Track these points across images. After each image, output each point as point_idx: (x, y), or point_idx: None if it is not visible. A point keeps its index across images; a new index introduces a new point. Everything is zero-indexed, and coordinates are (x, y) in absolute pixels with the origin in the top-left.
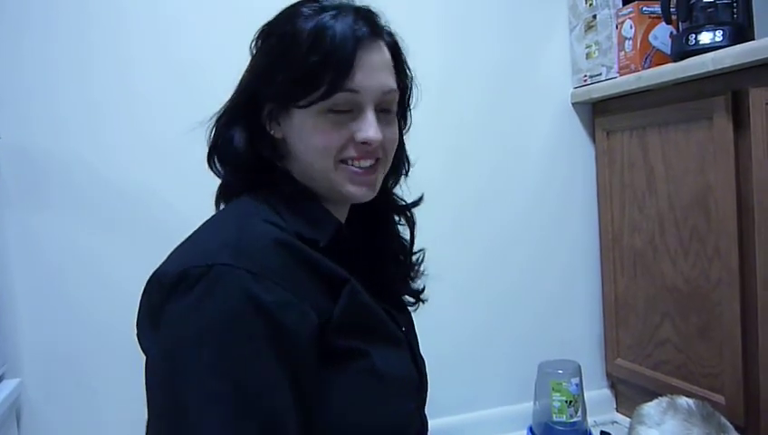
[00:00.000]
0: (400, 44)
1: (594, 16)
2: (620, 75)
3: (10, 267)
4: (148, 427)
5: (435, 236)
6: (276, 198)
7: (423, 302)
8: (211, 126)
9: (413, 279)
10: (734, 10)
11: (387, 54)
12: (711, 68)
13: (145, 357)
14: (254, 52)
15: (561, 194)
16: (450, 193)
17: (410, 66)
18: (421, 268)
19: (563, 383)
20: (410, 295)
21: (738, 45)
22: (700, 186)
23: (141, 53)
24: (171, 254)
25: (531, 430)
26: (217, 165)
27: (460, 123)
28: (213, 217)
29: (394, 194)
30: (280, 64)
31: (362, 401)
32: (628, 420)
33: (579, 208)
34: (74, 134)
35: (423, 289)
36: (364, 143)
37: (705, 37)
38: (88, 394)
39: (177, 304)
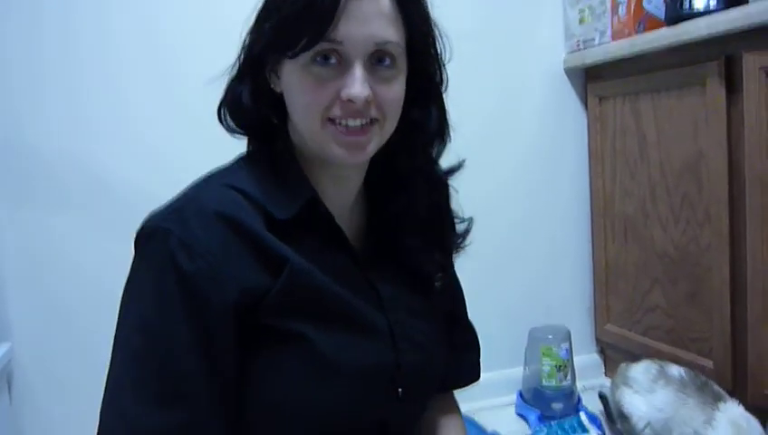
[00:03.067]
0: None
1: None
2: (613, 40)
3: (1, 234)
4: None
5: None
6: (264, 161)
7: (444, 271)
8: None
9: (451, 249)
10: None
11: (384, 2)
12: (705, 33)
13: None
14: None
15: (552, 160)
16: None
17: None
18: (461, 239)
19: (553, 348)
20: (433, 267)
21: (732, 10)
22: (692, 152)
23: (130, 49)
24: None
25: (520, 394)
26: (228, 121)
27: (449, 87)
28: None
29: (430, 160)
30: (269, 12)
31: (293, 383)
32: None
33: (570, 174)
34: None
35: (444, 265)
36: (349, 101)
37: (699, 2)
38: (79, 358)
39: (133, 258)
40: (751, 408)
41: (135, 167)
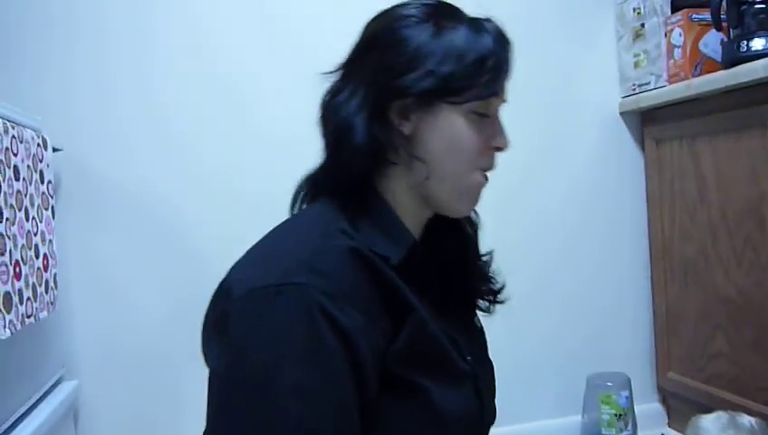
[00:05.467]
0: None
1: (642, 25)
2: (670, 83)
3: (68, 271)
4: None
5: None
6: (354, 205)
7: (501, 303)
8: (330, 110)
9: (490, 282)
10: None
11: None
12: (763, 75)
13: (210, 370)
14: (374, 40)
15: (610, 204)
16: (500, 204)
17: None
18: (492, 271)
19: (612, 396)
20: (487, 299)
21: None
22: (753, 194)
23: (165, 58)
24: (243, 261)
25: None
26: (330, 152)
27: (508, 134)
28: (290, 222)
29: None
30: (442, 56)
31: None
32: None
33: (628, 218)
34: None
35: (502, 288)
36: (497, 149)
37: (757, 43)
38: (145, 397)
39: (255, 323)
40: None
41: (189, 197)
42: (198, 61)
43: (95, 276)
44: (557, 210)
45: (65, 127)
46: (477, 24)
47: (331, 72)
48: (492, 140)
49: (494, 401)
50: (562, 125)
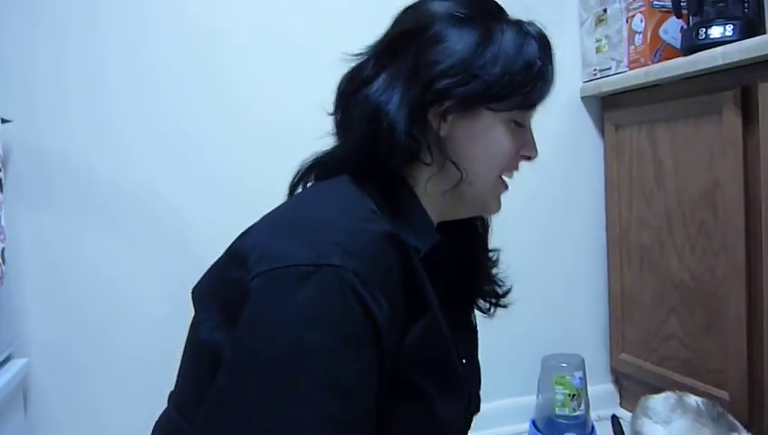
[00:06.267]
0: None
1: (605, 10)
2: (630, 69)
3: (19, 250)
4: (212, 414)
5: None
6: (377, 190)
7: (504, 307)
8: (363, 98)
9: (496, 284)
10: (745, 4)
11: None
12: (721, 62)
13: (204, 341)
14: (414, 34)
15: (568, 188)
16: None
17: None
18: (499, 272)
19: (567, 377)
20: (489, 301)
21: (748, 40)
22: (708, 181)
23: (158, 50)
24: (262, 231)
25: (533, 423)
26: (357, 140)
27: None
28: (312, 195)
29: None
30: (488, 61)
31: None
32: (631, 415)
33: (586, 202)
34: (84, 132)
35: (508, 292)
36: (526, 158)
37: (716, 31)
38: (96, 374)
39: (282, 302)
40: None
41: (159, 176)
42: (193, 52)
43: (46, 252)
44: (515, 193)
45: (56, 118)
46: (523, 28)
47: (356, 56)
48: (523, 148)
49: (478, 400)
50: None
